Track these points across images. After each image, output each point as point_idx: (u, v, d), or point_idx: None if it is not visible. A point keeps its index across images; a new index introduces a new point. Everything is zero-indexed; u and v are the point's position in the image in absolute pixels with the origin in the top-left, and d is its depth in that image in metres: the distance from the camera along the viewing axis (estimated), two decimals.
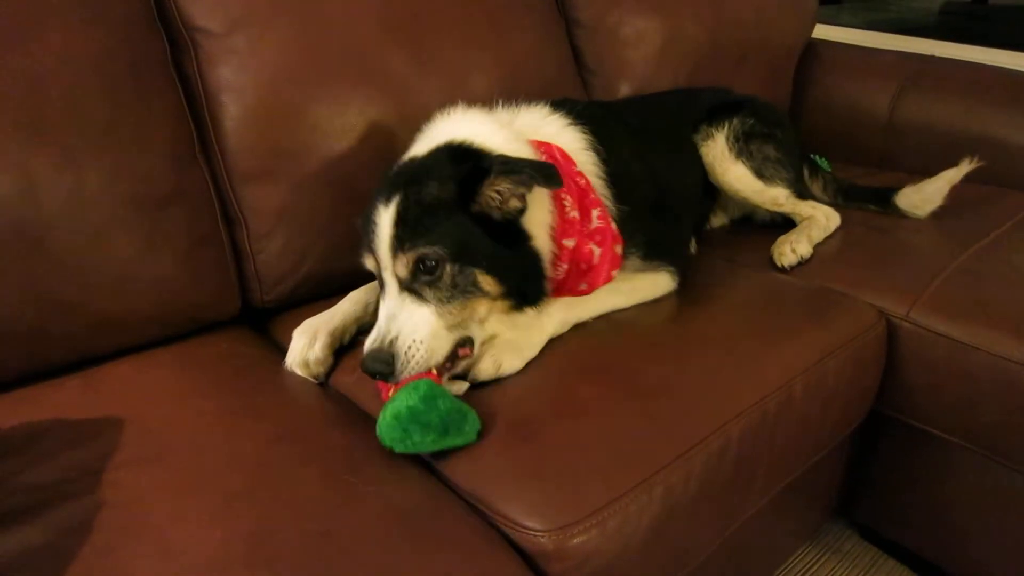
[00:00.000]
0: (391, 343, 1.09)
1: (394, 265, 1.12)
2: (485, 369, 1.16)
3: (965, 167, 1.80)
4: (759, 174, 1.75)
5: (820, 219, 1.75)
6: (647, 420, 1.12)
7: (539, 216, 1.21)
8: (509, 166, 1.12)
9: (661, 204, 1.55)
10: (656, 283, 1.43)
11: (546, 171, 1.12)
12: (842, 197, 1.94)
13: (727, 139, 1.75)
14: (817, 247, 1.68)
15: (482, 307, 1.16)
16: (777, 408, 1.23)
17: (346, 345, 1.29)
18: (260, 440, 1.05)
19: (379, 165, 1.37)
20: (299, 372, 1.23)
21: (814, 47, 2.53)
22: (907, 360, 1.50)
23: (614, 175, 1.39)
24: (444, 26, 1.59)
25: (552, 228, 1.23)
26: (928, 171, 1.86)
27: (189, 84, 1.34)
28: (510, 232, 1.17)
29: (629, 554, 1.00)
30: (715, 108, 1.82)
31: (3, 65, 1.12)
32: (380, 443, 1.04)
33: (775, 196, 1.77)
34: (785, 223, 1.80)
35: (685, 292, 1.50)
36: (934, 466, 1.59)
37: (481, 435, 1.06)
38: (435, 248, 1.10)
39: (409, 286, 1.12)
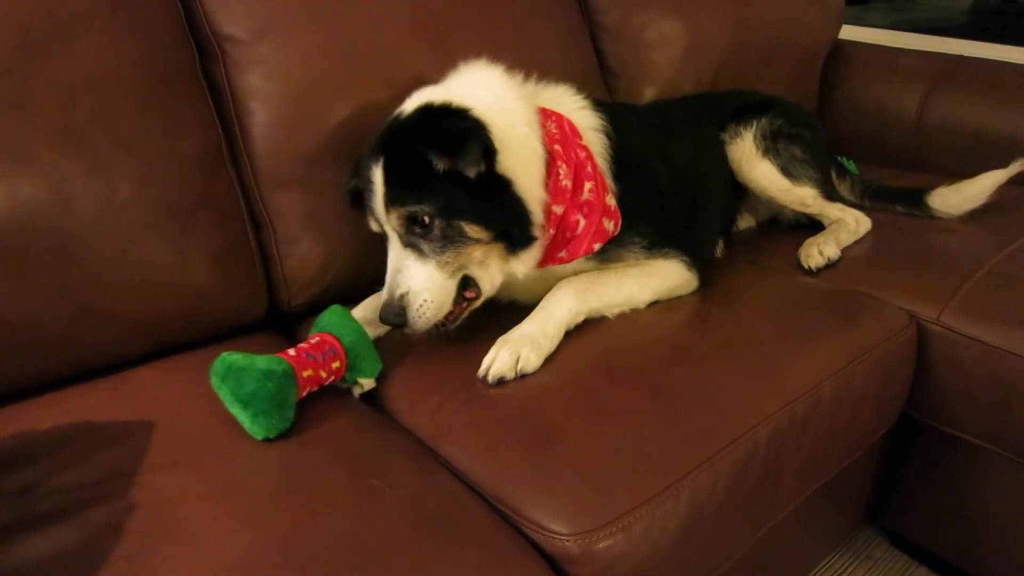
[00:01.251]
0: (401, 297, 1.18)
1: (389, 221, 1.20)
2: (504, 367, 1.17)
3: (1015, 167, 1.77)
4: (786, 172, 1.73)
5: (849, 222, 1.73)
6: (673, 423, 1.11)
7: (521, 162, 1.23)
8: (441, 143, 1.15)
9: (678, 199, 1.54)
10: (669, 273, 1.41)
11: (459, 134, 1.14)
12: (870, 198, 1.91)
13: (754, 137, 1.74)
14: (845, 250, 1.66)
15: (477, 251, 1.21)
16: (805, 412, 1.21)
17: None
18: (287, 443, 1.06)
19: None
20: None
21: (841, 48, 2.50)
22: (938, 364, 1.48)
23: (621, 161, 1.40)
24: (469, 30, 1.59)
25: (542, 181, 1.25)
26: (957, 172, 1.84)
27: (217, 91, 1.36)
28: (489, 180, 1.19)
29: (655, 559, 1.00)
30: (743, 107, 1.81)
31: (37, 74, 1.14)
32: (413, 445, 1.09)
33: (802, 196, 1.75)
34: (812, 225, 1.78)
35: (710, 294, 1.50)
36: (966, 472, 1.56)
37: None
38: (421, 207, 1.17)
39: (407, 240, 1.19)
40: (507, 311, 1.36)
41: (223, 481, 0.98)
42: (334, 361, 1.16)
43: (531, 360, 1.18)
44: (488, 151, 1.17)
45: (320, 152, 1.39)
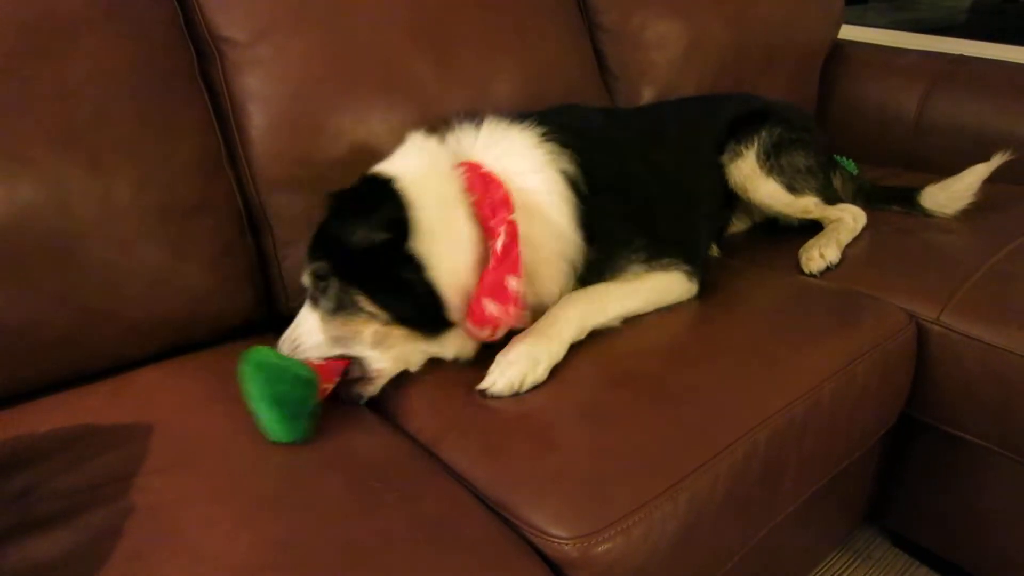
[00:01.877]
0: (292, 351, 1.18)
1: (303, 274, 1.20)
2: (504, 383, 1.14)
3: (996, 161, 1.77)
4: (790, 188, 1.72)
5: (848, 221, 1.72)
6: (672, 426, 1.11)
7: (444, 249, 1.16)
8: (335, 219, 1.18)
9: (667, 205, 1.53)
10: (671, 285, 1.40)
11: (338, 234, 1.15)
12: (863, 199, 1.91)
13: (757, 157, 1.72)
14: (845, 249, 1.66)
15: (368, 329, 1.15)
16: (805, 413, 1.21)
17: None
18: (286, 446, 1.06)
19: None
20: None
21: (840, 48, 2.50)
22: (938, 364, 1.48)
23: (596, 187, 1.31)
24: (468, 33, 1.59)
25: (470, 263, 1.18)
26: (957, 172, 1.83)
27: (216, 94, 1.36)
28: (400, 259, 1.13)
29: (655, 561, 0.99)
30: (739, 121, 1.78)
31: (35, 77, 1.14)
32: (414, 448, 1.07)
33: (805, 206, 1.75)
34: (810, 224, 1.78)
35: (709, 296, 1.49)
36: (967, 472, 1.56)
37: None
38: (321, 263, 1.16)
39: (311, 295, 1.19)
40: None
41: (223, 483, 0.98)
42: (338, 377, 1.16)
43: (536, 378, 1.16)
44: (400, 228, 1.12)
45: (319, 154, 1.39)
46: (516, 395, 1.14)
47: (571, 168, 1.30)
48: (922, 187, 1.83)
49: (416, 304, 1.15)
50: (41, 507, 0.94)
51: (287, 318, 1.43)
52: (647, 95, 2.00)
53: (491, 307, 1.16)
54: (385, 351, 1.17)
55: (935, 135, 2.20)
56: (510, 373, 1.15)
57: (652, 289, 1.38)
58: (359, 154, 1.42)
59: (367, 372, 1.18)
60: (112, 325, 1.21)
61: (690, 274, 1.43)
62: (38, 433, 1.07)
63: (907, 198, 1.85)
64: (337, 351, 1.16)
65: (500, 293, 1.16)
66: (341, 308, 1.15)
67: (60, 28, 1.17)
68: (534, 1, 1.77)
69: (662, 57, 2.01)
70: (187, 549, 0.88)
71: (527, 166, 1.28)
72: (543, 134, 1.32)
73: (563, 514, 0.96)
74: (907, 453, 1.65)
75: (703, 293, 1.47)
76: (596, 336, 1.29)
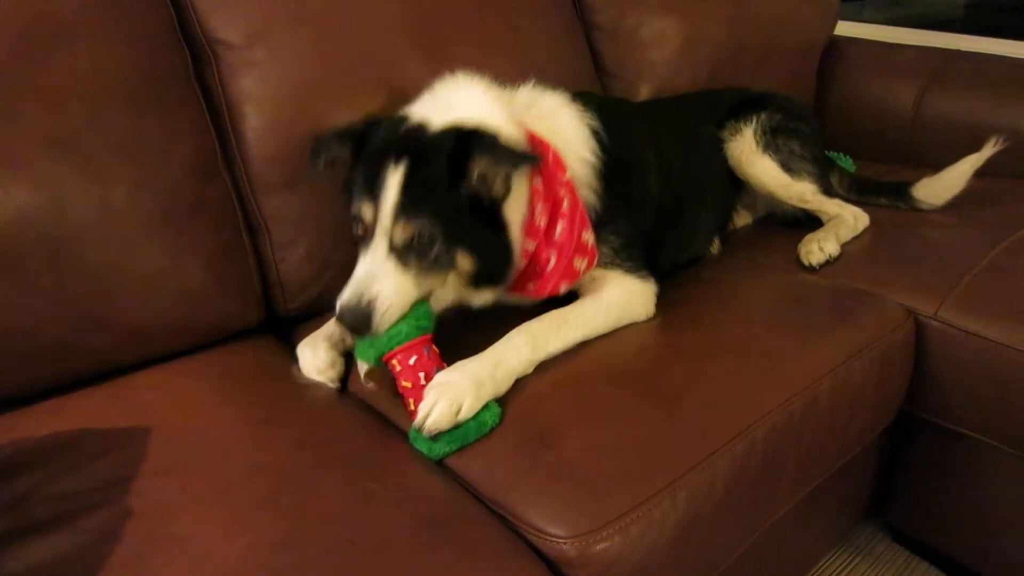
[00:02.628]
0: (369, 303, 1.10)
1: (393, 229, 1.13)
2: (443, 420, 1.06)
3: (988, 150, 1.77)
4: (786, 167, 1.74)
5: (848, 219, 1.73)
6: (670, 424, 1.11)
7: (517, 209, 1.22)
8: (490, 152, 1.15)
9: (671, 200, 1.53)
10: (626, 303, 1.34)
11: (525, 156, 1.17)
12: (856, 192, 1.91)
13: (754, 132, 1.74)
14: (844, 246, 1.66)
15: (450, 279, 1.19)
16: (803, 409, 1.21)
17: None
18: (284, 447, 1.06)
19: None
20: (317, 379, 1.26)
21: (837, 44, 2.49)
22: (937, 360, 1.48)
23: (613, 168, 1.36)
24: (463, 32, 1.59)
25: (524, 224, 1.23)
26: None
27: (211, 96, 1.35)
28: (493, 217, 1.19)
29: (654, 559, 1.00)
30: (740, 104, 1.81)
31: (31, 81, 1.14)
32: (410, 448, 1.09)
33: (801, 192, 1.75)
34: (809, 221, 1.78)
35: (708, 292, 1.50)
36: (967, 467, 1.56)
37: (501, 421, 1.09)
38: (433, 229, 1.12)
39: (397, 250, 1.13)
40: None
41: (221, 486, 0.98)
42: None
43: (472, 409, 1.08)
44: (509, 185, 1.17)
45: None
46: (456, 427, 1.07)
47: (596, 144, 1.36)
48: (916, 181, 1.83)
49: (498, 258, 1.20)
50: (39, 511, 0.94)
51: (284, 320, 1.45)
52: (644, 93, 2.00)
53: (579, 263, 1.27)
54: (443, 293, 1.21)
55: (932, 131, 2.20)
56: (441, 407, 1.06)
57: (607, 310, 1.31)
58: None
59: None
60: (109, 328, 1.20)
61: (647, 292, 1.38)
62: (36, 437, 1.07)
63: (899, 191, 1.86)
64: (421, 295, 1.16)
65: (582, 249, 1.27)
66: (437, 264, 1.15)
67: (54, 32, 1.17)
68: (529, 0, 1.77)
69: (658, 55, 2.01)
70: (185, 552, 0.88)
71: (565, 127, 1.32)
72: (578, 105, 1.39)
73: (561, 513, 0.96)
74: (906, 449, 1.65)
75: (701, 288, 1.47)
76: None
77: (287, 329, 1.46)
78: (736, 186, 1.82)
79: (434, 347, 1.14)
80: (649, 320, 1.36)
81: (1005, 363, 1.38)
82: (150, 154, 1.23)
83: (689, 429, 1.11)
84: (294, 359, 1.30)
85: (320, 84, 1.38)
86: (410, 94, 1.37)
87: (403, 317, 1.12)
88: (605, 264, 1.36)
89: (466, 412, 1.06)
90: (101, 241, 1.18)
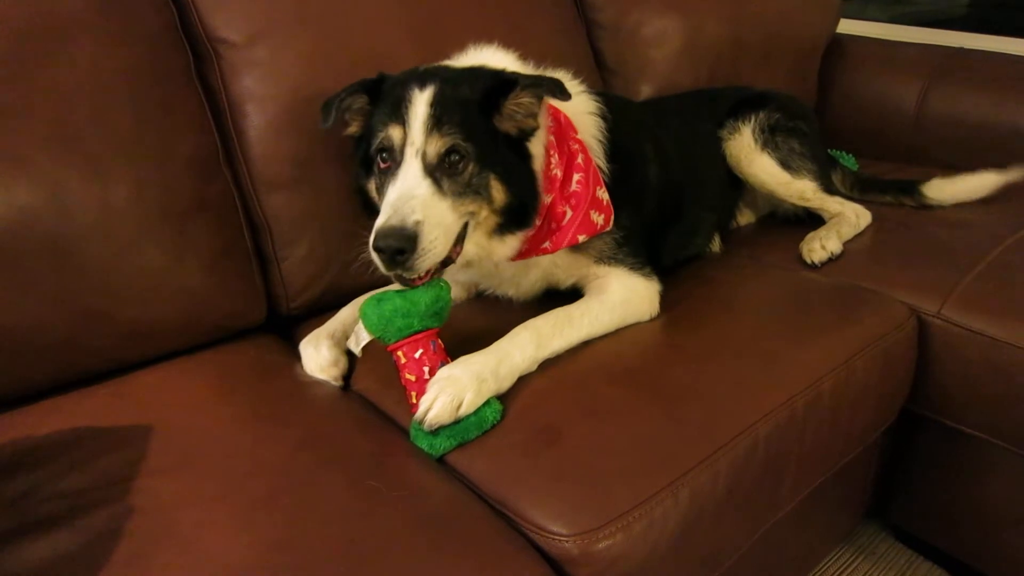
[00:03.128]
0: (416, 224, 1.06)
1: (426, 143, 1.12)
2: (444, 415, 1.04)
3: (1015, 174, 1.79)
4: (785, 165, 1.73)
5: (850, 216, 1.72)
6: (672, 422, 1.11)
7: (537, 154, 1.23)
8: (532, 80, 1.19)
9: (668, 190, 1.53)
10: (631, 302, 1.34)
11: (561, 86, 1.18)
12: (859, 190, 1.91)
13: (753, 131, 1.75)
14: (846, 244, 1.66)
15: (483, 212, 1.18)
16: (805, 407, 1.21)
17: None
18: (286, 446, 1.06)
19: None
20: (320, 376, 1.26)
21: (839, 42, 2.49)
22: (940, 358, 1.47)
23: (616, 144, 1.38)
24: (465, 31, 1.58)
25: (544, 167, 1.25)
26: (957, 165, 1.84)
27: (213, 95, 1.36)
28: (520, 151, 1.21)
29: (656, 558, 0.99)
30: (740, 102, 1.81)
31: (34, 81, 1.14)
32: (412, 446, 1.08)
33: (802, 190, 1.75)
34: (811, 220, 1.78)
35: (710, 291, 1.50)
36: (969, 466, 1.56)
37: (503, 418, 1.09)
38: (467, 144, 1.12)
39: (432, 172, 1.12)
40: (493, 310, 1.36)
41: (222, 485, 0.98)
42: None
43: (473, 404, 1.06)
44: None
45: (316, 154, 1.39)
46: (457, 422, 1.06)
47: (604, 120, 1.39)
48: (925, 179, 1.83)
49: (526, 192, 1.21)
50: (42, 509, 0.94)
51: (286, 318, 1.45)
52: (645, 91, 2.00)
53: (596, 217, 1.28)
54: (471, 236, 1.19)
55: (935, 128, 2.20)
56: (443, 400, 1.05)
57: (611, 309, 1.30)
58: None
59: (450, 255, 1.15)
60: (111, 327, 1.20)
61: (651, 290, 1.37)
62: (38, 435, 1.08)
63: (907, 188, 1.86)
64: (457, 231, 1.14)
65: (598, 203, 1.28)
66: (470, 189, 1.14)
67: (56, 31, 1.17)
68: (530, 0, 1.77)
69: (659, 53, 2.01)
70: (187, 550, 0.88)
71: (574, 104, 1.31)
72: (583, 85, 1.42)
73: (563, 511, 0.96)
74: (909, 448, 1.65)
75: (704, 287, 1.46)
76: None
77: (289, 327, 1.46)
78: (737, 185, 1.82)
79: (439, 341, 1.13)
80: (652, 319, 1.36)
81: (1009, 361, 1.38)
82: (152, 152, 1.23)
83: (691, 427, 1.10)
84: (296, 357, 1.31)
85: (321, 83, 1.37)
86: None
87: (415, 311, 1.08)
88: (608, 260, 1.36)
89: (467, 407, 1.06)
90: (103, 239, 1.18)
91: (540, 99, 1.20)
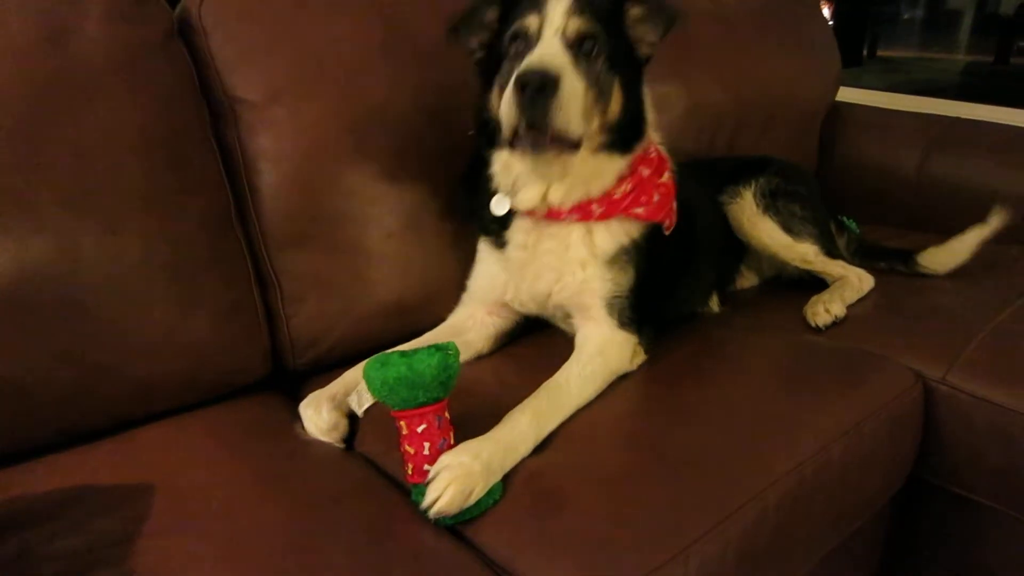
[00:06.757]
0: (559, 71, 1.12)
1: (566, 23, 1.19)
2: (453, 507, 1.01)
3: (995, 223, 1.80)
4: (787, 229, 1.75)
5: (853, 280, 1.74)
6: (680, 488, 1.09)
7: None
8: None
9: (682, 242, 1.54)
10: (608, 362, 1.33)
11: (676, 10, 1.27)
12: (860, 256, 1.93)
13: (754, 195, 1.77)
14: (850, 308, 1.67)
15: (595, 122, 1.24)
16: (814, 475, 1.20)
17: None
18: (291, 507, 1.05)
19: (411, 231, 1.45)
20: (322, 438, 1.25)
21: (838, 109, 2.55)
22: (945, 424, 1.47)
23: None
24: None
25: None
26: (959, 230, 1.85)
27: (228, 152, 1.37)
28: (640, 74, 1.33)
29: None
30: (740, 168, 1.84)
31: (49, 136, 1.15)
32: (416, 510, 1.05)
33: (804, 253, 1.76)
34: (813, 283, 1.79)
35: (715, 353, 1.49)
36: (978, 534, 1.53)
37: (502, 496, 1.06)
38: (604, 36, 1.21)
39: (570, 44, 1.19)
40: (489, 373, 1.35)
41: (226, 547, 0.96)
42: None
43: (480, 495, 1.04)
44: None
45: (329, 213, 1.41)
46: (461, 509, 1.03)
47: None
48: (921, 248, 1.85)
49: (637, 110, 1.32)
50: (38, 570, 0.92)
51: (293, 375, 1.44)
52: None
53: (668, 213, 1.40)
54: (583, 140, 1.23)
55: (935, 194, 2.24)
56: (451, 493, 1.01)
57: (591, 378, 1.29)
58: (369, 212, 1.44)
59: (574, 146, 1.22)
60: (116, 382, 1.20)
61: (635, 345, 1.39)
62: (35, 493, 1.06)
63: (905, 258, 1.88)
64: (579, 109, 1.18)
65: (671, 208, 1.42)
66: (597, 83, 1.21)
67: (75, 88, 1.18)
68: None
69: (663, 118, 2.02)
70: None
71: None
72: None
73: None
74: (918, 515, 1.63)
75: (711, 348, 1.46)
76: (600, 395, 1.29)
77: (294, 383, 1.45)
78: (738, 248, 1.83)
79: (447, 416, 1.10)
80: (655, 380, 1.36)
81: (1014, 428, 1.38)
82: (165, 209, 1.24)
83: (699, 495, 1.09)
84: (299, 417, 1.29)
85: (337, 144, 1.40)
86: (424, 166, 1.40)
87: (420, 382, 1.05)
88: (609, 304, 1.39)
89: (475, 498, 1.03)
90: (113, 294, 1.18)
91: (647, 9, 1.27)
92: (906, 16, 4.84)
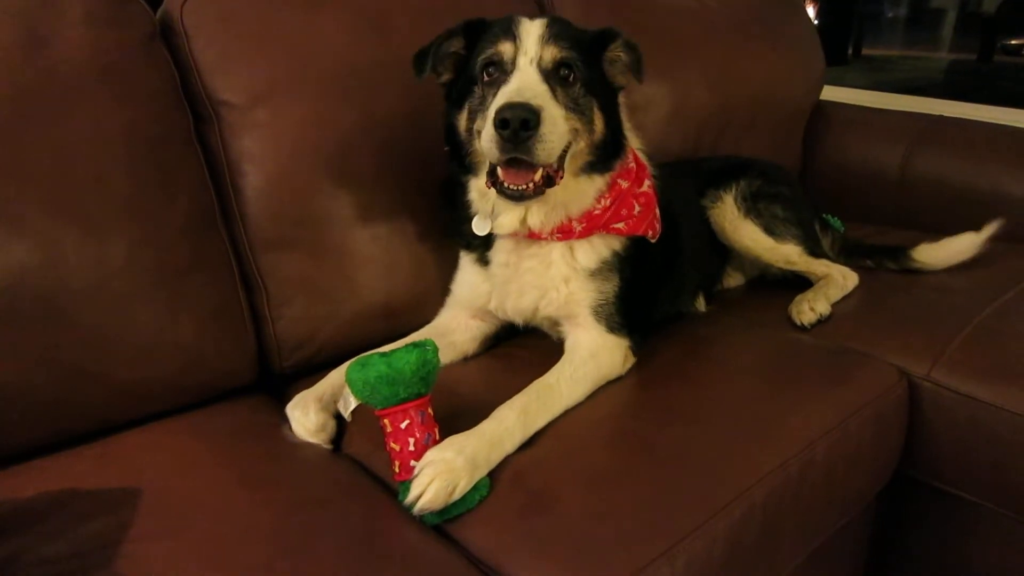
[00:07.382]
0: (539, 106, 1.12)
1: (541, 51, 1.20)
2: (437, 501, 1.02)
3: (990, 229, 1.83)
4: (769, 231, 1.75)
5: (837, 278, 1.75)
6: (667, 487, 1.10)
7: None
8: (631, 44, 1.30)
9: (669, 244, 1.55)
10: (599, 367, 1.33)
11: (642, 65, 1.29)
12: (845, 254, 1.94)
13: (735, 199, 1.77)
14: (835, 306, 1.68)
15: (580, 142, 1.25)
16: (800, 471, 1.21)
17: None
18: (279, 510, 1.05)
19: (396, 233, 1.44)
20: (309, 440, 1.24)
21: (823, 108, 2.56)
22: (930, 421, 1.48)
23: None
24: None
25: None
26: (941, 229, 1.87)
27: (212, 155, 1.37)
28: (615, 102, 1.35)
29: None
30: (720, 170, 1.84)
31: (34, 141, 1.15)
32: (403, 510, 1.05)
33: (787, 254, 1.77)
34: (799, 281, 1.80)
35: (701, 352, 1.50)
36: (964, 530, 1.55)
37: (490, 492, 1.07)
38: (579, 62, 1.22)
39: (545, 73, 1.20)
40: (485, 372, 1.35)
41: (213, 550, 0.96)
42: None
43: (465, 490, 1.04)
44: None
45: (313, 215, 1.40)
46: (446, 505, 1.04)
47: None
48: (913, 244, 1.86)
49: (617, 131, 1.34)
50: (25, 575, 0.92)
51: (278, 377, 1.44)
52: None
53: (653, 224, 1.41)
54: (566, 162, 1.25)
55: (919, 192, 2.25)
56: (436, 487, 1.02)
57: (583, 379, 1.29)
58: (353, 215, 1.43)
59: (554, 177, 1.23)
60: (102, 386, 1.19)
61: (627, 349, 1.40)
62: (22, 498, 1.05)
63: (895, 253, 1.89)
64: (562, 137, 1.19)
65: (653, 219, 1.43)
66: (577, 106, 1.23)
67: (57, 92, 1.18)
68: None
69: (648, 118, 2.05)
70: None
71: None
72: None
73: None
74: (904, 511, 1.64)
75: (696, 348, 1.47)
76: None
77: (281, 385, 1.44)
78: (722, 248, 1.84)
79: (430, 411, 1.11)
80: (642, 380, 1.36)
81: (998, 424, 1.39)
82: (149, 212, 1.24)
83: (686, 493, 1.10)
84: (287, 418, 1.29)
85: (320, 146, 1.40)
86: (408, 168, 1.39)
87: (400, 379, 1.07)
88: (597, 310, 1.39)
89: (459, 494, 1.04)
90: (97, 299, 1.17)
91: (632, 59, 1.29)
92: (890, 15, 4.87)
